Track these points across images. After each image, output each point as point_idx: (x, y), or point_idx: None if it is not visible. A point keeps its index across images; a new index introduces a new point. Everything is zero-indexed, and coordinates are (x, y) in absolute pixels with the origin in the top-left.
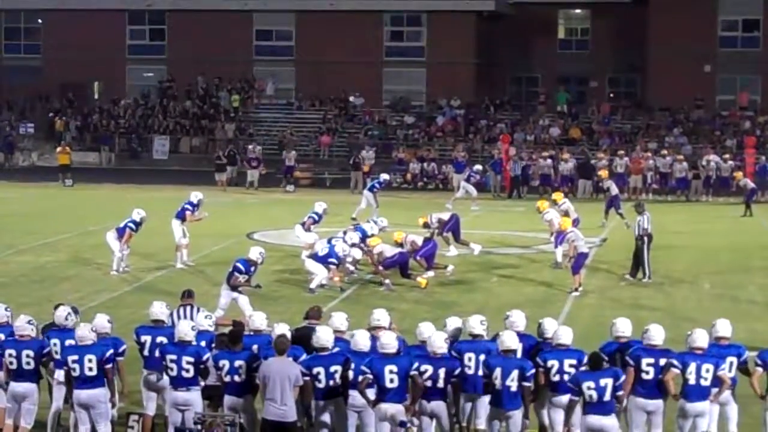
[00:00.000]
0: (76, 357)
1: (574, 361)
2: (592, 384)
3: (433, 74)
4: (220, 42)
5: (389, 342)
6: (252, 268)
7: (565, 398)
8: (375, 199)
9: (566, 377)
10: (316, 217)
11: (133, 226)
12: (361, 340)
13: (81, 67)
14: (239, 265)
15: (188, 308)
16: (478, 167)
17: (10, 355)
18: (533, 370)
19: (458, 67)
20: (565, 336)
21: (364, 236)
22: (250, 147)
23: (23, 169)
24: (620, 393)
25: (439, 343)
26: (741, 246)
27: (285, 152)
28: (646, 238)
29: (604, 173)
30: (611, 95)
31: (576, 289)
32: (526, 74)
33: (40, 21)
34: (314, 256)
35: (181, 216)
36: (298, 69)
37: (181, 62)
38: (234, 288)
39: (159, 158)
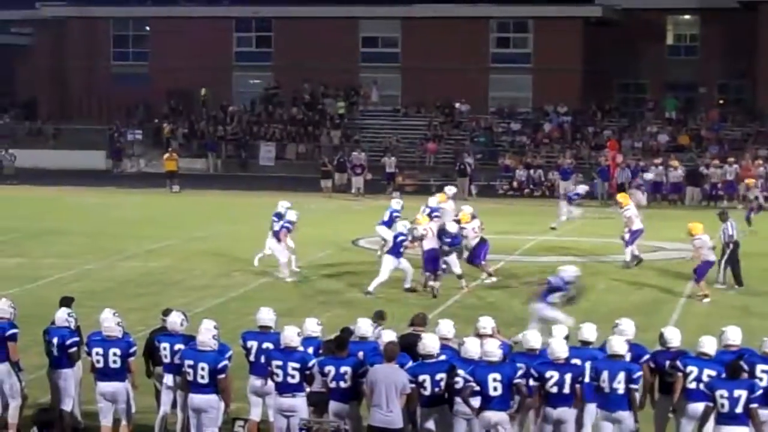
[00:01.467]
0: (191, 362)
1: (713, 372)
2: (725, 393)
3: (539, 81)
4: (326, 49)
5: (493, 350)
6: (568, 286)
7: (696, 406)
8: (573, 208)
9: (702, 386)
10: (397, 214)
11: (289, 225)
12: (472, 348)
13: (188, 74)
14: (555, 282)
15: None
16: (583, 188)
17: (97, 354)
18: (640, 373)
19: (565, 73)
20: (708, 345)
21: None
22: (355, 153)
23: (131, 175)
24: (753, 405)
25: (560, 348)
26: None
27: (386, 158)
28: (732, 245)
29: (750, 182)
30: (720, 102)
31: (706, 296)
32: (634, 80)
33: (148, 28)
34: (390, 252)
35: (277, 235)
36: (403, 75)
37: (287, 69)
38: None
39: (265, 165)
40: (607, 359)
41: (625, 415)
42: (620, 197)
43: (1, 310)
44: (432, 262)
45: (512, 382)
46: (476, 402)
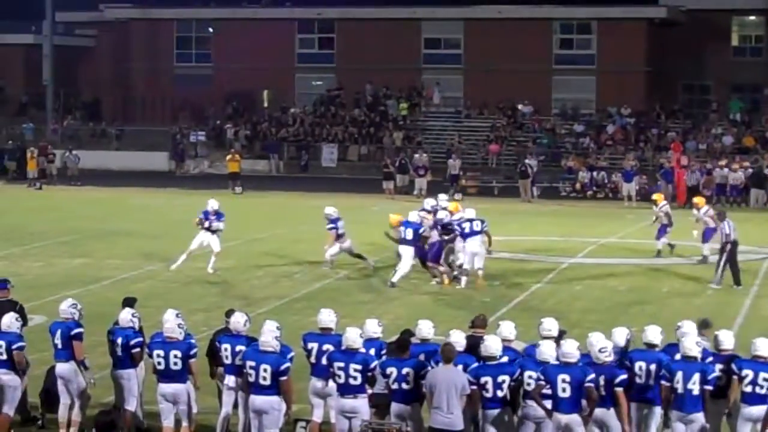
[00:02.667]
0: (253, 363)
1: None
2: None
3: (603, 82)
4: (388, 50)
5: (572, 351)
6: None
7: (751, 410)
8: None
9: (759, 389)
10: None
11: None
12: (547, 350)
13: (251, 75)
14: None
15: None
16: None
17: (158, 356)
18: (715, 374)
19: (629, 74)
20: (763, 347)
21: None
22: (417, 155)
23: (194, 176)
24: None
25: (597, 352)
26: None
27: (450, 160)
28: (729, 245)
29: None
30: None
31: None
32: (699, 82)
33: (211, 30)
34: (410, 243)
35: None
36: (466, 77)
37: (349, 70)
38: None
39: (327, 166)
40: (681, 360)
41: (699, 416)
42: (696, 200)
43: (65, 311)
44: (437, 253)
45: (582, 385)
46: (548, 403)
